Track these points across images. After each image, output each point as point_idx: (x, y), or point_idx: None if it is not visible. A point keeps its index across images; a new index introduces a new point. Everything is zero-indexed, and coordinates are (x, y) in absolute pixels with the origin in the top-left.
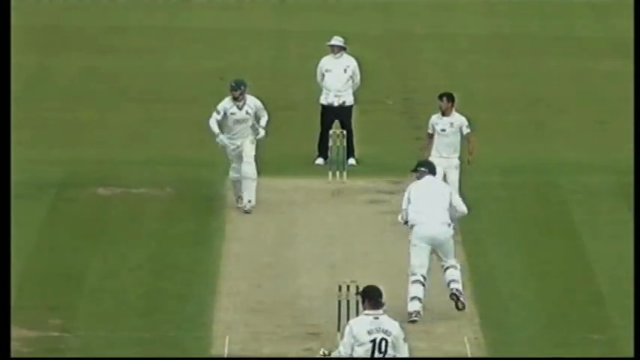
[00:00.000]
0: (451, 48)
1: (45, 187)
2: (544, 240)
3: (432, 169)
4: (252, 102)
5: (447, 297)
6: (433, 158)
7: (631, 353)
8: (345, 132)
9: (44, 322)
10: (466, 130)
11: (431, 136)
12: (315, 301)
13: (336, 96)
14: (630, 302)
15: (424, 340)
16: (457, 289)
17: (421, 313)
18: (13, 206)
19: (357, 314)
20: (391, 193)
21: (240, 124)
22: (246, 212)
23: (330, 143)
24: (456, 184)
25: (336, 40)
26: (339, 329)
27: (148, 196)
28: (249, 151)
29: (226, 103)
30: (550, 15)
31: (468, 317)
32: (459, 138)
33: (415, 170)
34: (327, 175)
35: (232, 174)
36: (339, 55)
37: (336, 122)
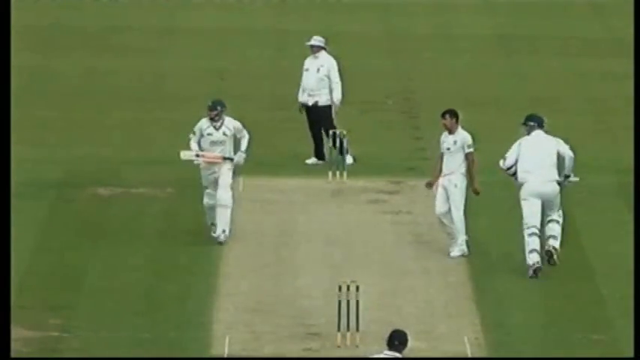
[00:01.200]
0: (451, 48)
1: (45, 187)
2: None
3: (540, 123)
4: (230, 123)
5: (447, 297)
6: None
7: (631, 353)
8: (344, 132)
9: (44, 322)
10: (467, 150)
11: (442, 156)
12: (315, 301)
13: (309, 95)
14: (630, 302)
15: (424, 340)
16: (554, 247)
17: (541, 265)
18: (13, 206)
19: (357, 314)
20: (391, 193)
21: (216, 145)
22: (219, 244)
23: (330, 143)
24: (457, 204)
25: (315, 40)
26: (339, 329)
27: (148, 196)
28: (226, 177)
29: (202, 124)
30: (550, 15)
31: (468, 317)
32: (462, 156)
33: (524, 124)
34: (327, 175)
35: (206, 200)
36: (317, 54)
37: (337, 123)
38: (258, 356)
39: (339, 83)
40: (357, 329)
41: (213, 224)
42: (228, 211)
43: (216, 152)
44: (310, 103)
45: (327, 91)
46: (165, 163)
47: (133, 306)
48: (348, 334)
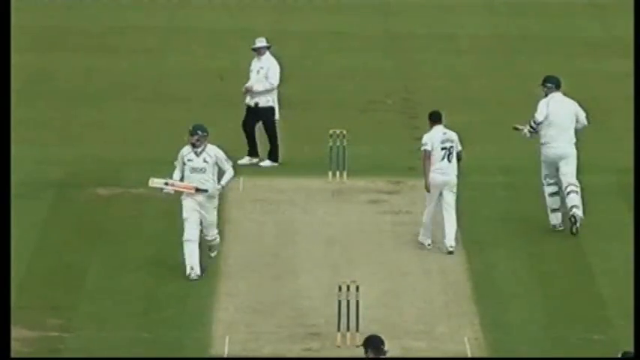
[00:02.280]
0: (451, 48)
1: (45, 187)
2: (544, 240)
3: (558, 84)
4: (212, 151)
5: (447, 297)
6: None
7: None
8: (344, 132)
9: (44, 322)
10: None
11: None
12: (315, 301)
13: (251, 97)
14: (630, 302)
15: (424, 340)
16: (577, 215)
17: (561, 223)
18: (13, 206)
19: (357, 314)
20: (391, 193)
21: (197, 173)
22: (191, 280)
23: (330, 143)
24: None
25: (258, 42)
26: (339, 329)
27: (148, 196)
28: (212, 218)
29: (184, 150)
30: (550, 15)
31: (468, 317)
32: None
33: (543, 85)
34: (327, 175)
35: (187, 235)
36: (261, 56)
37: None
38: (258, 356)
39: (274, 84)
40: (357, 329)
41: (192, 267)
42: (217, 245)
43: (197, 180)
44: (252, 104)
45: (267, 92)
46: (166, 163)
47: (133, 306)
48: (348, 334)
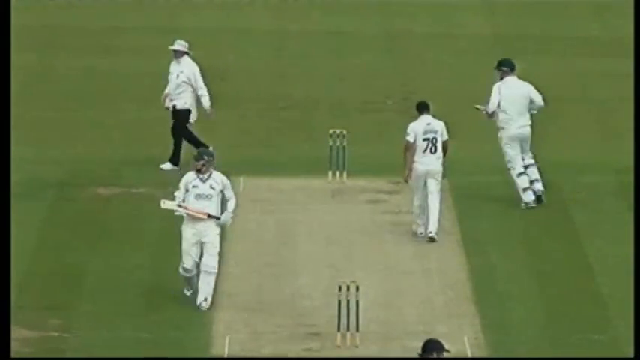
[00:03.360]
0: (451, 48)
1: (45, 187)
2: (544, 240)
3: (513, 67)
4: (218, 177)
5: (447, 297)
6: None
7: (631, 353)
8: (344, 132)
9: (44, 322)
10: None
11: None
12: (315, 301)
13: (170, 100)
14: (630, 302)
15: (424, 340)
16: (540, 190)
17: (535, 200)
18: (13, 206)
19: (357, 314)
20: (391, 193)
21: (202, 200)
22: (200, 309)
23: (330, 143)
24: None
25: (177, 45)
26: (339, 329)
27: (148, 196)
28: (215, 241)
29: (188, 177)
30: (550, 15)
31: (468, 317)
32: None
33: (498, 68)
34: (327, 175)
35: (186, 266)
36: (180, 59)
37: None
38: (258, 356)
39: (204, 88)
40: (357, 329)
41: (193, 290)
42: (213, 277)
43: (201, 207)
44: (170, 107)
45: (185, 95)
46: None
47: (133, 306)
48: (348, 334)
